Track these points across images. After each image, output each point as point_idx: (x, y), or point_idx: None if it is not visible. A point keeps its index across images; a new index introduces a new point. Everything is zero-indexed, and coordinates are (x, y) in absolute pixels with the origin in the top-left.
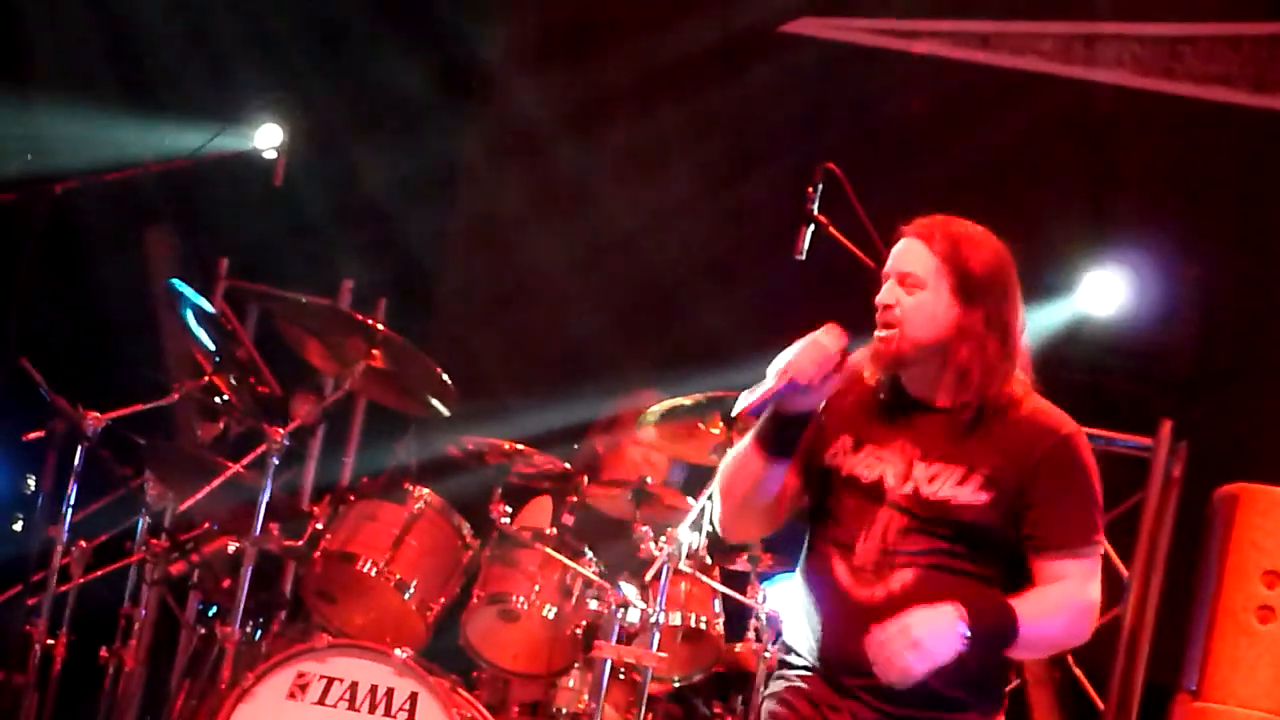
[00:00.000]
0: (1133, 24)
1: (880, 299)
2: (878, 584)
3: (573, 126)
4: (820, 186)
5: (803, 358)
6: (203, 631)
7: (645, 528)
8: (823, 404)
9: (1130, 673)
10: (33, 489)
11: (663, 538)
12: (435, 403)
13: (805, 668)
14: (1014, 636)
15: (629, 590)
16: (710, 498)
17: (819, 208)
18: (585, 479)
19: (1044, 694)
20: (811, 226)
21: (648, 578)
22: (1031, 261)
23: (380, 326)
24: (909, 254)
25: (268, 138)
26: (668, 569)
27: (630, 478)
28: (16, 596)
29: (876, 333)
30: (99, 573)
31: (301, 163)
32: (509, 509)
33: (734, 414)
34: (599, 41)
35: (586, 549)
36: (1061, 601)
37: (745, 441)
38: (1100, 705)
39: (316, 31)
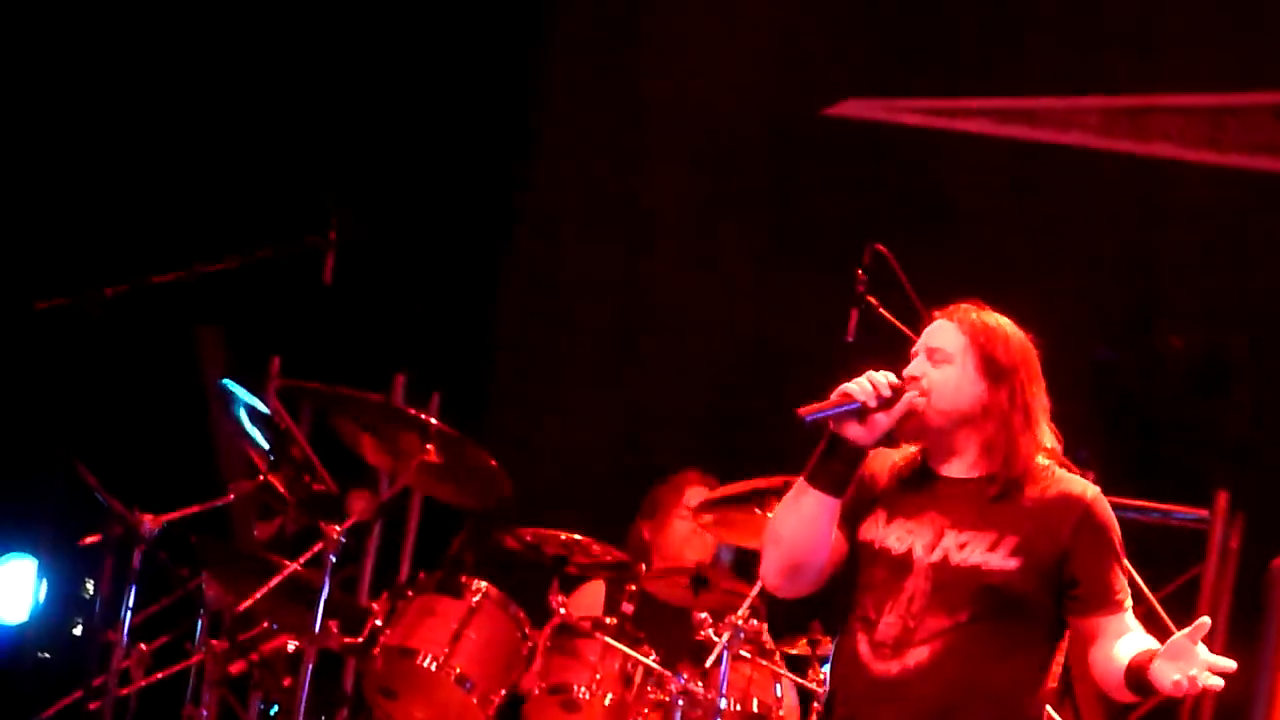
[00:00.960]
0: (1176, 95)
1: (907, 371)
2: (894, 659)
3: (620, 212)
4: (869, 267)
5: (861, 382)
6: None
7: (704, 614)
8: (867, 457)
9: None
10: (91, 593)
11: (721, 623)
12: (491, 495)
13: None
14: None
15: (689, 677)
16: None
17: (868, 289)
18: (644, 567)
19: None
20: (861, 308)
21: (708, 664)
22: (1081, 335)
23: (434, 421)
24: (938, 332)
25: (316, 235)
26: (728, 654)
27: (678, 561)
28: (77, 702)
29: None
30: (159, 675)
31: (351, 259)
32: (566, 599)
33: (795, 411)
34: (645, 127)
35: (645, 637)
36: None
37: (796, 485)
38: None
39: (363, 128)
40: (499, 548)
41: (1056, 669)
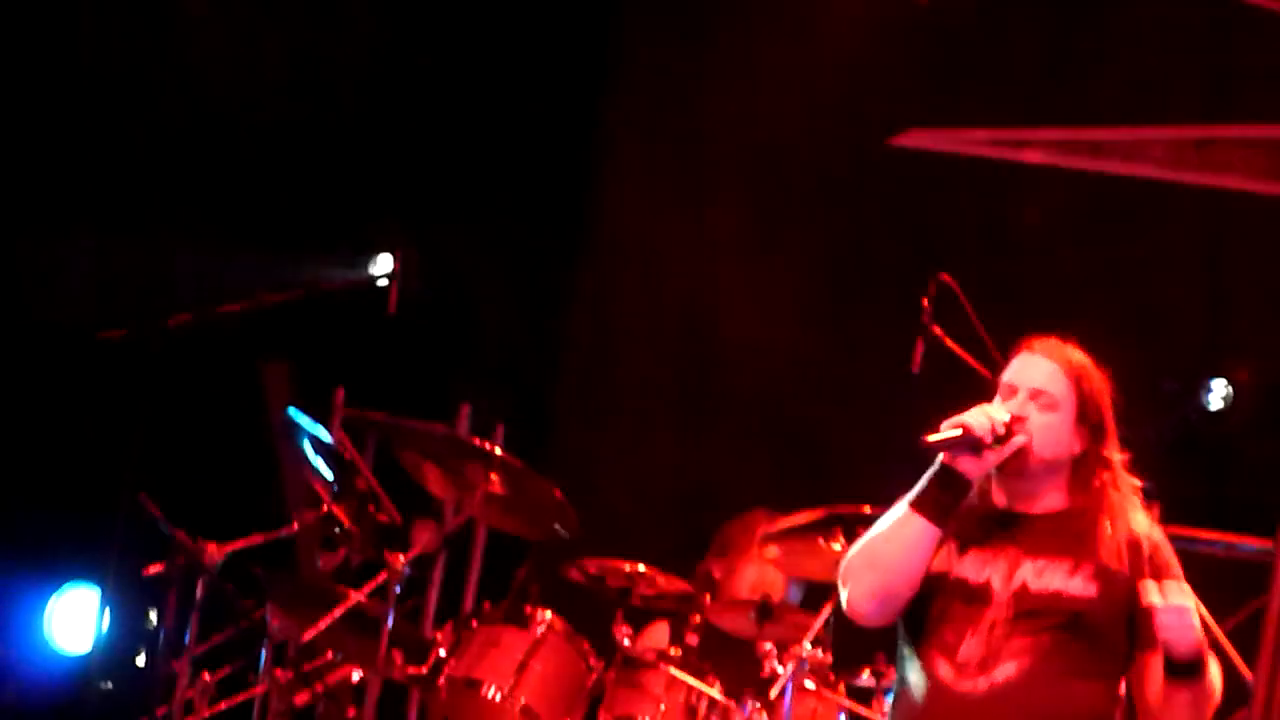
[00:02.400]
0: (1242, 127)
1: (1012, 409)
2: (980, 676)
3: (684, 244)
4: (934, 297)
5: (977, 414)
6: None
7: (769, 645)
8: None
9: None
10: (155, 623)
11: (786, 654)
12: (556, 526)
13: None
14: (1203, 670)
15: (754, 709)
16: (833, 610)
17: (933, 319)
18: (709, 597)
19: None
20: (927, 339)
21: (772, 695)
22: (1147, 369)
23: (498, 451)
24: (1043, 373)
25: (380, 266)
26: (791, 686)
27: (744, 595)
28: None
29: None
30: (223, 705)
31: (415, 289)
32: (631, 630)
33: (922, 442)
34: (709, 158)
35: (710, 668)
36: (1217, 676)
37: (896, 510)
38: None
39: (430, 160)
40: (563, 579)
41: (1121, 699)
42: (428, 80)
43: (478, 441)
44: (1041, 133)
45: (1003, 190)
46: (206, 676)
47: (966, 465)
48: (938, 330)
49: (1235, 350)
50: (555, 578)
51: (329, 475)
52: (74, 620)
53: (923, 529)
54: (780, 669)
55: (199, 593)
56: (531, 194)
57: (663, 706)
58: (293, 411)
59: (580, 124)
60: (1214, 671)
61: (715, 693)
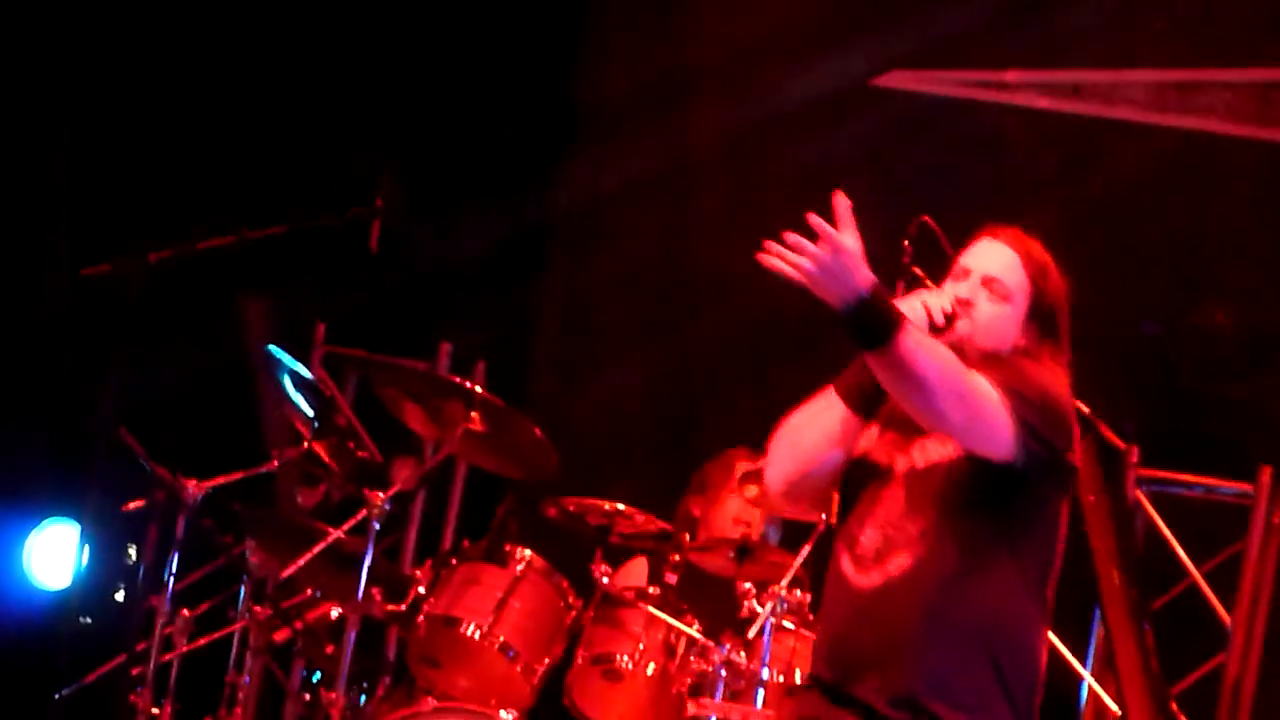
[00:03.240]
0: (1223, 70)
1: (961, 293)
2: (875, 569)
3: (663, 185)
4: (915, 239)
5: (914, 302)
6: (307, 698)
7: (748, 585)
8: None
9: None
10: (134, 559)
11: (765, 594)
12: (535, 464)
13: (807, 683)
14: (889, 337)
15: (732, 648)
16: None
17: (914, 260)
18: (688, 537)
19: None
20: (907, 280)
21: (751, 635)
22: (1127, 311)
23: (479, 389)
24: (1001, 260)
25: (363, 203)
26: (771, 625)
27: (723, 534)
28: (120, 667)
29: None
30: (202, 641)
31: (396, 228)
32: (610, 569)
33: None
34: (690, 95)
35: (689, 607)
36: (953, 363)
37: (824, 396)
38: None
39: (410, 97)
40: (542, 517)
41: (1036, 569)
42: (409, 15)
43: (458, 379)
44: (1022, 74)
45: (983, 132)
46: (185, 612)
47: None
48: (918, 271)
49: (1215, 291)
50: (534, 516)
51: (309, 412)
52: (53, 556)
53: (842, 414)
54: (759, 608)
55: (178, 529)
56: (513, 132)
57: (641, 645)
58: (273, 348)
59: (561, 59)
60: (918, 343)
61: (694, 632)
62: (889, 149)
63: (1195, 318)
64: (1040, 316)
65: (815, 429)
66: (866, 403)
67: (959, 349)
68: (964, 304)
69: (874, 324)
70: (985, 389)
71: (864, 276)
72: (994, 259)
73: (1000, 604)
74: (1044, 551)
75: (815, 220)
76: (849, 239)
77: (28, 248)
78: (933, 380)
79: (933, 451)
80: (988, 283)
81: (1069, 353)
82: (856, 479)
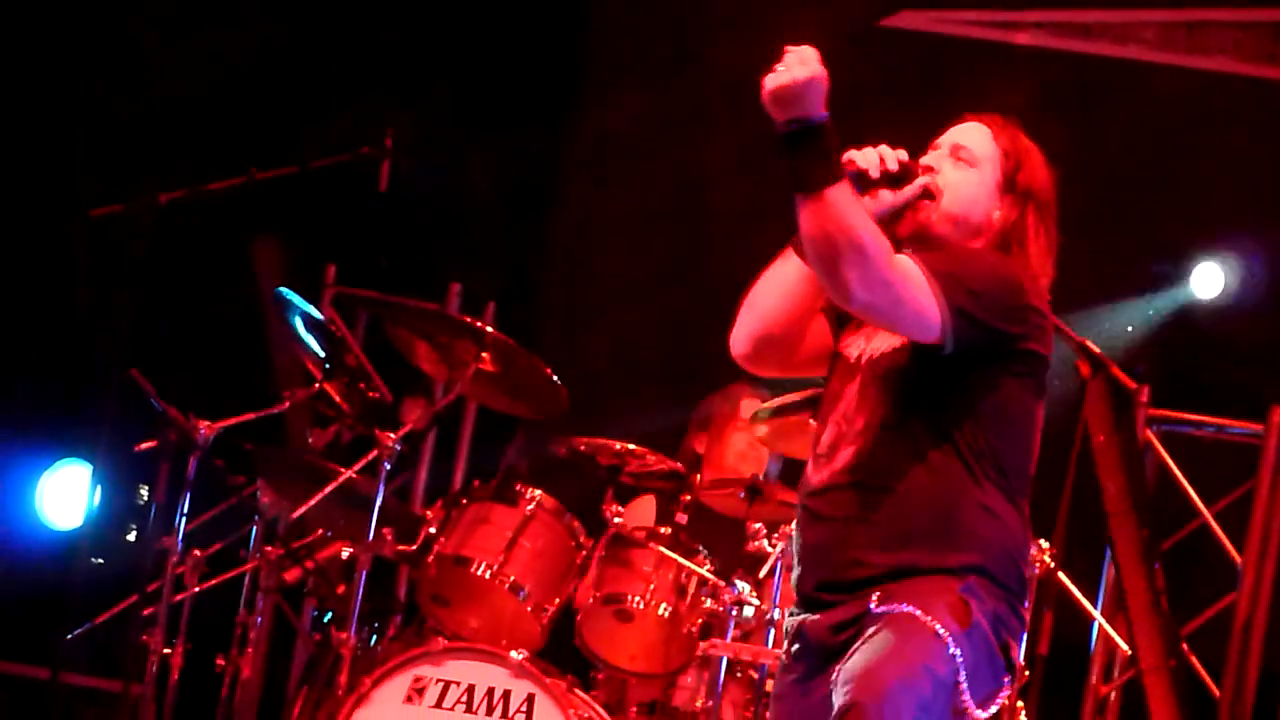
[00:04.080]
0: (1233, 10)
1: (924, 160)
2: (825, 467)
3: (674, 124)
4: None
5: (866, 151)
6: (318, 638)
7: (758, 525)
8: None
9: (1245, 660)
10: (145, 499)
11: (776, 534)
12: (545, 404)
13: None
14: (823, 183)
15: (743, 587)
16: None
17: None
18: (698, 478)
19: (1160, 682)
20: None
21: (762, 574)
22: (1138, 250)
23: (489, 329)
24: (968, 131)
25: (372, 143)
26: (781, 565)
27: (732, 474)
28: (132, 607)
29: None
30: (214, 581)
31: (406, 168)
32: (620, 508)
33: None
34: (699, 39)
35: (700, 547)
36: (880, 241)
37: (786, 256)
38: (1216, 693)
39: (418, 39)
40: (552, 457)
41: (991, 461)
42: None
43: (469, 319)
44: (1031, 14)
45: (992, 72)
46: (197, 553)
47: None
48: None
49: (1224, 230)
50: (545, 456)
51: (320, 352)
52: (65, 496)
53: (798, 269)
54: (769, 547)
55: (190, 469)
56: (523, 69)
57: (652, 585)
58: (283, 289)
59: (572, 3)
60: (849, 204)
61: (705, 571)
62: (897, 89)
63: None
64: (1016, 190)
65: (773, 285)
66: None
67: (925, 212)
68: (927, 169)
69: (811, 159)
70: (909, 271)
71: (820, 106)
72: (964, 132)
73: (949, 497)
74: (1001, 441)
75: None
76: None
77: (40, 189)
78: (852, 247)
79: (881, 341)
80: (954, 150)
81: (1056, 237)
82: (831, 374)
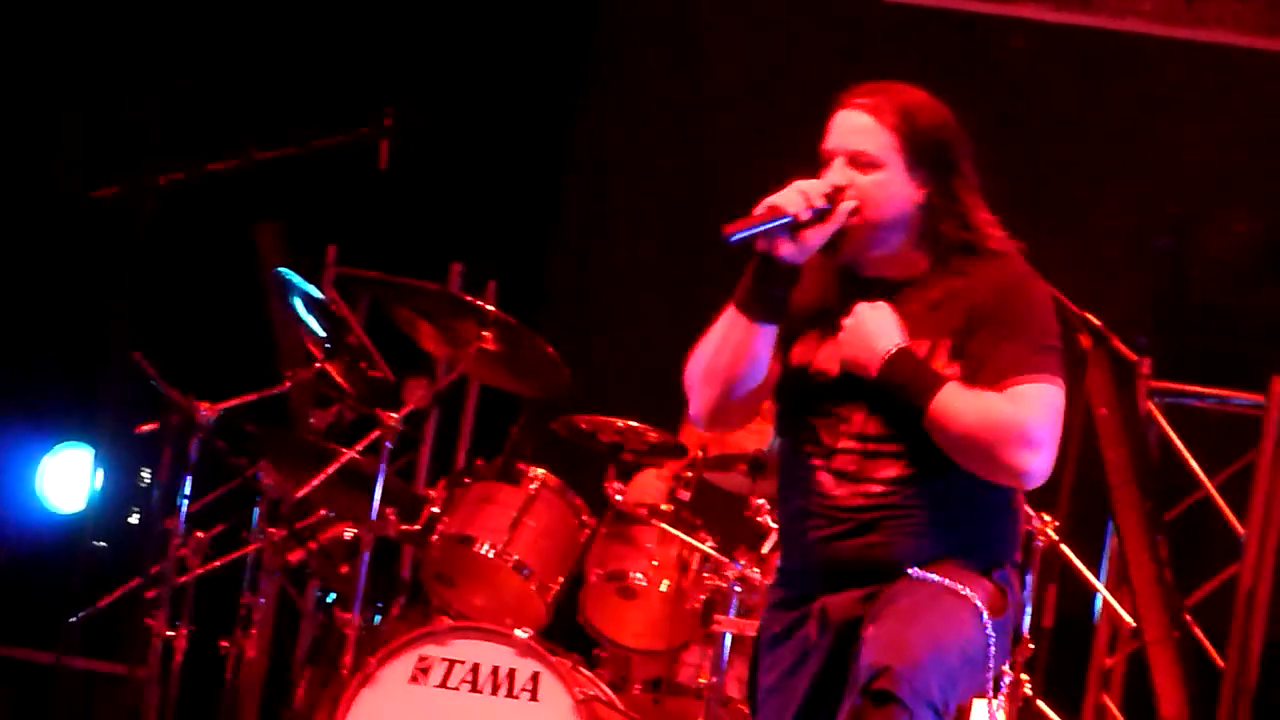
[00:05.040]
0: None
1: (830, 179)
2: (861, 484)
3: (681, 101)
4: None
5: (790, 194)
6: (323, 618)
7: (761, 500)
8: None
9: (1249, 631)
10: (148, 482)
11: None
12: (548, 383)
13: (783, 583)
14: (924, 402)
15: (746, 563)
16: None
17: None
18: (701, 453)
19: (1164, 654)
20: None
21: (765, 550)
22: (1140, 223)
23: (491, 308)
24: (858, 131)
25: (372, 122)
26: None
27: (735, 450)
28: (135, 590)
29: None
30: (217, 563)
31: (407, 146)
32: (623, 486)
33: (723, 234)
34: (706, 15)
35: (702, 523)
36: (994, 408)
37: (726, 316)
38: (1220, 664)
39: (421, 16)
40: (555, 435)
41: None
42: None
43: (471, 298)
44: None
45: (994, 45)
46: (200, 535)
47: (787, 250)
48: None
49: (1227, 203)
50: (548, 434)
51: (321, 333)
52: (67, 479)
53: (749, 330)
54: (772, 524)
55: (192, 451)
56: (528, 47)
57: (655, 562)
58: (284, 270)
59: None
60: (951, 400)
61: (708, 548)
62: (900, 63)
63: (1209, 229)
64: (925, 159)
65: (726, 350)
66: (767, 310)
67: (857, 230)
68: (840, 190)
69: (904, 393)
70: (1031, 424)
71: (890, 340)
72: (851, 132)
73: (980, 507)
74: None
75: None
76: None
77: (39, 170)
78: (979, 441)
79: None
80: (852, 160)
81: (975, 176)
82: (802, 390)
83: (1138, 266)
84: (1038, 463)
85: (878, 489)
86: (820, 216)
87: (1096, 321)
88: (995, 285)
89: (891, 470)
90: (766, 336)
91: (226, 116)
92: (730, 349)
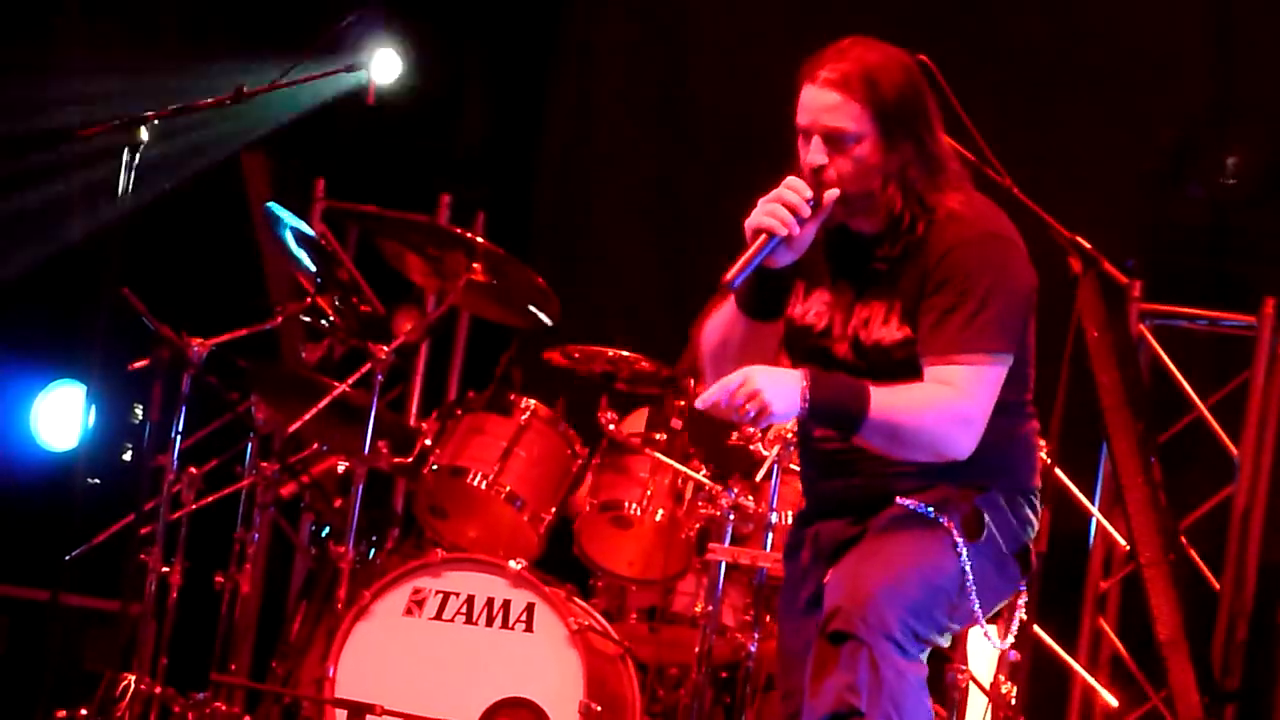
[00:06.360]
0: None
1: (811, 161)
2: (842, 441)
3: (665, 32)
4: None
5: (770, 210)
6: (316, 552)
7: (754, 428)
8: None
9: (1244, 553)
10: (140, 418)
11: (771, 437)
12: (538, 313)
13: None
14: (860, 419)
15: (740, 492)
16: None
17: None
18: (693, 382)
19: (1159, 576)
20: None
21: (758, 478)
22: (1129, 146)
23: (480, 239)
24: (829, 109)
25: (359, 57)
26: (778, 468)
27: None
28: (129, 526)
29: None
30: (210, 499)
31: (393, 81)
32: (616, 415)
33: (724, 283)
34: None
35: (695, 452)
36: (930, 400)
37: (728, 310)
38: (1216, 586)
39: None
40: (547, 366)
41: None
42: None
43: (460, 230)
44: None
45: None
46: (193, 470)
47: (784, 257)
48: None
49: (1237, 121)
50: (538, 365)
51: (311, 267)
52: (60, 417)
53: (753, 327)
54: (765, 452)
55: (184, 387)
56: None
57: (649, 491)
58: (273, 204)
59: None
60: (886, 407)
61: (701, 477)
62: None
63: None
64: (897, 124)
65: (734, 343)
66: (770, 308)
67: (840, 202)
68: (821, 170)
69: (839, 419)
70: (973, 408)
71: (791, 388)
72: (822, 110)
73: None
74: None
75: (709, 397)
76: (745, 376)
77: (28, 110)
78: (925, 438)
79: (876, 328)
80: (829, 138)
81: (940, 131)
82: (800, 343)
83: (1129, 190)
84: (972, 443)
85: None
86: (812, 213)
87: (1086, 245)
88: (947, 248)
89: None
90: (769, 330)
91: (215, 52)
92: (737, 343)
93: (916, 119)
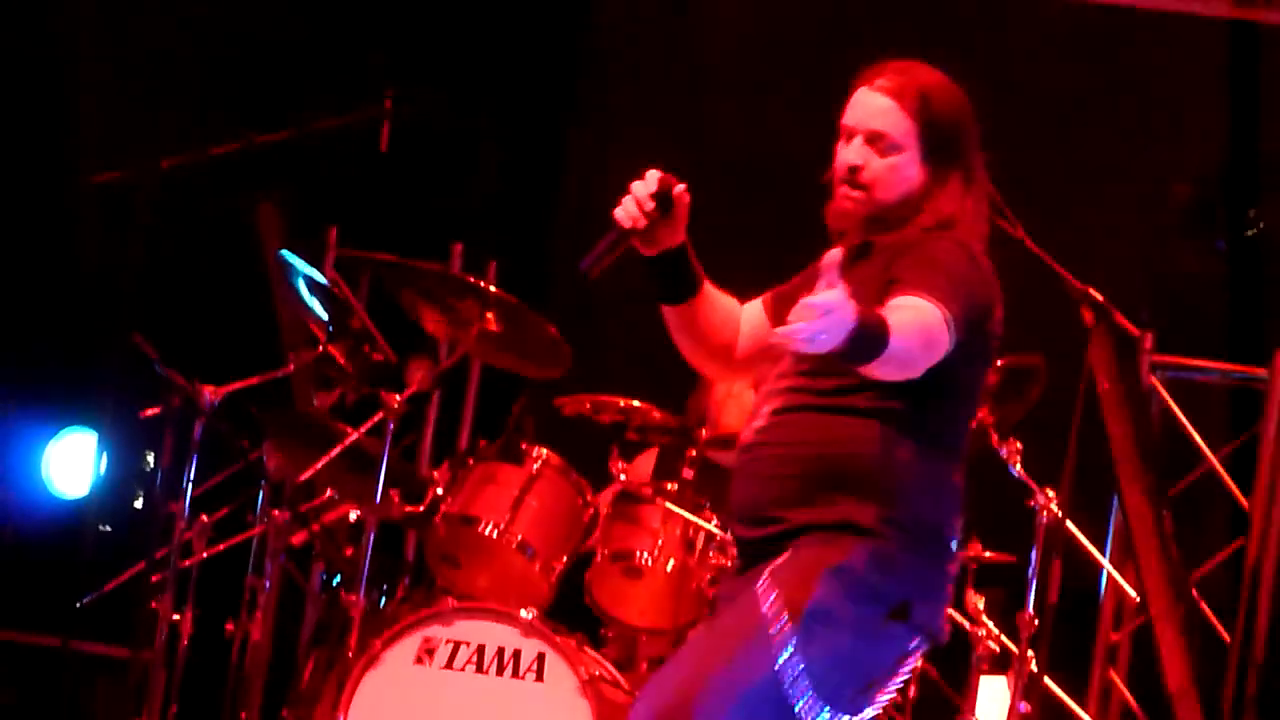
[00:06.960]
0: None
1: (847, 159)
2: (752, 421)
3: (677, 81)
4: None
5: (626, 205)
6: (327, 600)
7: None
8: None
9: (1255, 605)
10: (151, 465)
11: None
12: (550, 363)
13: None
14: (884, 346)
15: None
16: None
17: None
18: (705, 432)
19: (1170, 628)
20: None
21: None
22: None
23: (493, 288)
24: (880, 113)
25: (372, 104)
26: None
27: (737, 430)
28: (140, 574)
29: (842, 191)
30: (221, 546)
31: (406, 128)
32: (627, 465)
33: (580, 271)
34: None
35: (706, 502)
36: (918, 315)
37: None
38: (1227, 638)
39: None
40: (558, 415)
41: (916, 421)
42: None
43: (472, 278)
44: None
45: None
46: (204, 518)
47: (650, 250)
48: None
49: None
50: (550, 414)
51: (323, 315)
52: (72, 464)
53: (675, 312)
54: None
55: (196, 434)
56: (528, 27)
57: (660, 541)
58: (285, 252)
59: None
60: (899, 331)
61: (712, 526)
62: (897, 12)
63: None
64: (937, 149)
65: (678, 335)
66: (674, 293)
67: (867, 216)
68: (855, 170)
69: (871, 345)
70: (933, 321)
71: (846, 319)
72: (873, 112)
73: (866, 455)
74: (932, 405)
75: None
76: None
77: (41, 155)
78: (919, 351)
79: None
80: (872, 140)
81: (981, 169)
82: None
83: (1141, 241)
84: (927, 365)
85: (755, 427)
86: (663, 210)
87: (1098, 296)
88: (914, 244)
89: (766, 412)
90: (688, 312)
91: (228, 100)
92: (678, 332)
93: (957, 151)
